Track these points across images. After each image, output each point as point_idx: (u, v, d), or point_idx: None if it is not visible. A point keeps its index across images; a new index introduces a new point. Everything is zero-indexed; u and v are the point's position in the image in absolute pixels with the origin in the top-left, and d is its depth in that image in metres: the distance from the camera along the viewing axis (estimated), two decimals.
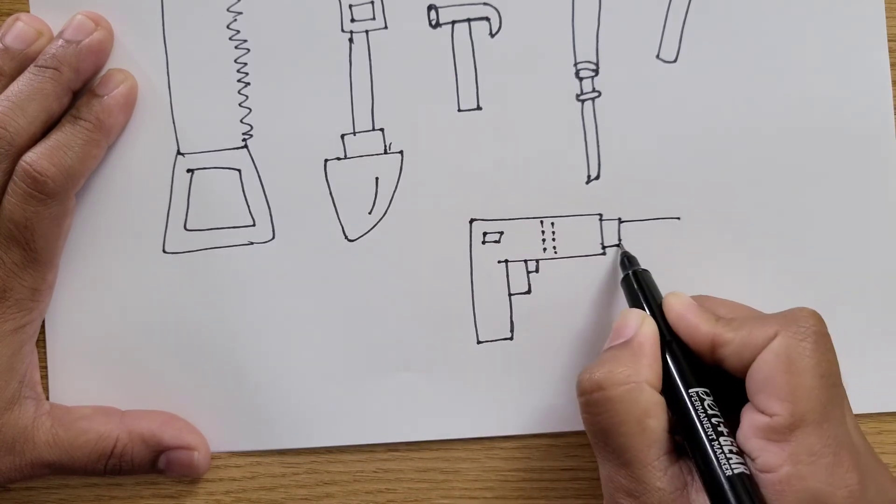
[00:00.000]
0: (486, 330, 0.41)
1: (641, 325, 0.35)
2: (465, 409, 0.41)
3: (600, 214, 0.41)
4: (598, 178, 0.41)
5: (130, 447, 0.40)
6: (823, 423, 0.31)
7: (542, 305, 0.41)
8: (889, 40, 0.40)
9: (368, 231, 0.41)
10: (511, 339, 0.41)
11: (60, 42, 0.40)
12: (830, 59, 0.40)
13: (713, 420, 0.33)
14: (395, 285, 0.41)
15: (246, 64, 0.41)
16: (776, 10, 0.41)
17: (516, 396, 0.41)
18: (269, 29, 0.41)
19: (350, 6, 0.41)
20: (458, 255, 0.41)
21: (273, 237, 0.41)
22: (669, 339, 0.35)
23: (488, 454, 0.41)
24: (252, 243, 0.42)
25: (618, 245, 0.40)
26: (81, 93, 0.41)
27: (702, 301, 0.37)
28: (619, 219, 0.41)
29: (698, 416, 0.33)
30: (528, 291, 0.41)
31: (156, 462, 0.40)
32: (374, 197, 0.41)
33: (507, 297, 0.41)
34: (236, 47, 0.41)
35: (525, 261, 0.41)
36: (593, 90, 0.41)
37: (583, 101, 0.41)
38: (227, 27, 0.41)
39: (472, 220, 0.41)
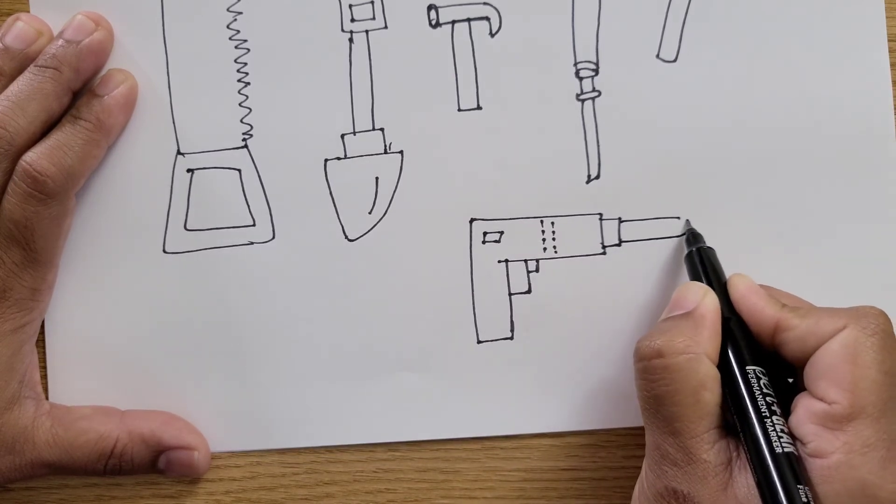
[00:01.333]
0: (486, 330, 0.41)
1: (703, 297, 0.36)
2: (465, 409, 0.41)
3: (600, 214, 0.41)
4: (598, 177, 0.41)
5: (130, 447, 0.40)
6: (881, 418, 0.32)
7: (542, 305, 0.41)
8: (889, 40, 0.40)
9: (368, 231, 0.41)
10: (511, 338, 0.41)
11: (60, 42, 0.40)
12: (830, 59, 0.40)
13: (767, 399, 0.33)
14: (395, 285, 0.41)
15: (246, 64, 0.41)
16: (776, 11, 0.41)
17: (516, 396, 0.41)
18: (269, 29, 0.41)
19: (350, 6, 0.41)
20: (458, 255, 0.41)
21: (273, 237, 0.41)
22: (729, 315, 0.36)
23: (488, 454, 0.41)
24: (252, 243, 0.42)
25: (687, 223, 0.40)
26: (81, 93, 0.41)
27: (765, 289, 0.37)
28: (619, 218, 0.41)
29: (753, 393, 0.33)
30: (528, 291, 0.41)
31: (156, 462, 0.40)
32: (374, 197, 0.41)
33: (507, 297, 0.41)
34: (236, 47, 0.41)
35: (525, 260, 0.41)
36: (593, 90, 0.41)
37: (583, 101, 0.41)
38: (227, 27, 0.41)
39: (472, 220, 0.41)
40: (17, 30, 0.40)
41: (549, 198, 0.41)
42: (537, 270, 0.41)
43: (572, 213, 0.41)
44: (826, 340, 0.33)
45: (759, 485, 0.32)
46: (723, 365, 0.34)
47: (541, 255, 0.41)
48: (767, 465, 0.32)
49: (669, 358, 0.33)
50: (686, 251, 0.39)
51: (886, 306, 0.40)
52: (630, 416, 0.41)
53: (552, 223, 0.41)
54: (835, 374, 0.32)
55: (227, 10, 0.41)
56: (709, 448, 0.33)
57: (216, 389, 0.41)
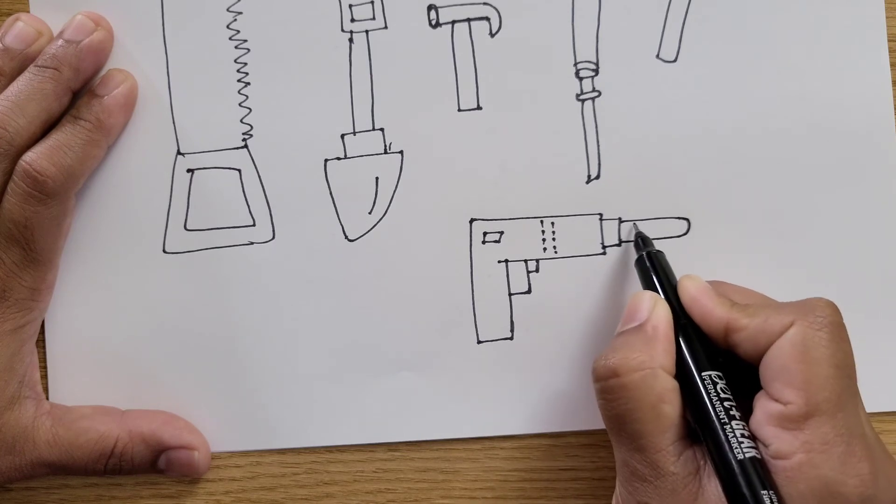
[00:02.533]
0: (486, 330, 0.41)
1: (654, 307, 0.35)
2: (465, 409, 0.41)
3: (600, 214, 0.41)
4: (598, 177, 0.41)
5: (131, 447, 0.40)
6: (837, 413, 0.32)
7: (542, 305, 0.41)
8: (889, 40, 0.40)
9: (368, 231, 0.41)
10: (511, 339, 0.41)
11: (60, 42, 0.40)
12: (830, 59, 0.40)
13: (725, 403, 0.33)
14: (395, 285, 0.41)
15: (246, 64, 0.41)
16: (776, 11, 0.41)
17: (516, 396, 0.41)
18: (269, 29, 0.41)
19: (350, 6, 0.41)
20: (458, 255, 0.41)
21: (273, 237, 0.41)
22: (683, 321, 0.35)
23: (488, 454, 0.41)
24: (252, 243, 0.42)
25: (634, 227, 0.40)
26: (81, 93, 0.41)
27: (716, 286, 0.37)
28: (620, 218, 0.41)
29: (710, 400, 0.33)
30: (528, 291, 0.41)
31: (156, 462, 0.40)
32: (374, 197, 0.41)
33: (507, 297, 0.41)
34: (236, 47, 0.41)
35: (525, 261, 0.41)
36: (593, 90, 0.41)
37: (583, 101, 0.41)
38: (227, 27, 0.41)
39: (472, 220, 0.41)
40: (17, 30, 0.40)
41: (549, 198, 0.41)
42: (537, 270, 0.41)
43: (572, 213, 0.41)
44: (776, 338, 0.33)
45: (725, 492, 0.32)
46: (680, 373, 0.34)
47: (541, 255, 0.41)
48: (732, 472, 0.32)
49: (625, 377, 0.33)
50: (635, 256, 0.39)
51: (886, 305, 0.40)
52: None
53: (552, 223, 0.41)
54: (787, 375, 0.32)
55: (227, 10, 0.41)
56: (675, 460, 0.33)
57: (216, 389, 0.41)
